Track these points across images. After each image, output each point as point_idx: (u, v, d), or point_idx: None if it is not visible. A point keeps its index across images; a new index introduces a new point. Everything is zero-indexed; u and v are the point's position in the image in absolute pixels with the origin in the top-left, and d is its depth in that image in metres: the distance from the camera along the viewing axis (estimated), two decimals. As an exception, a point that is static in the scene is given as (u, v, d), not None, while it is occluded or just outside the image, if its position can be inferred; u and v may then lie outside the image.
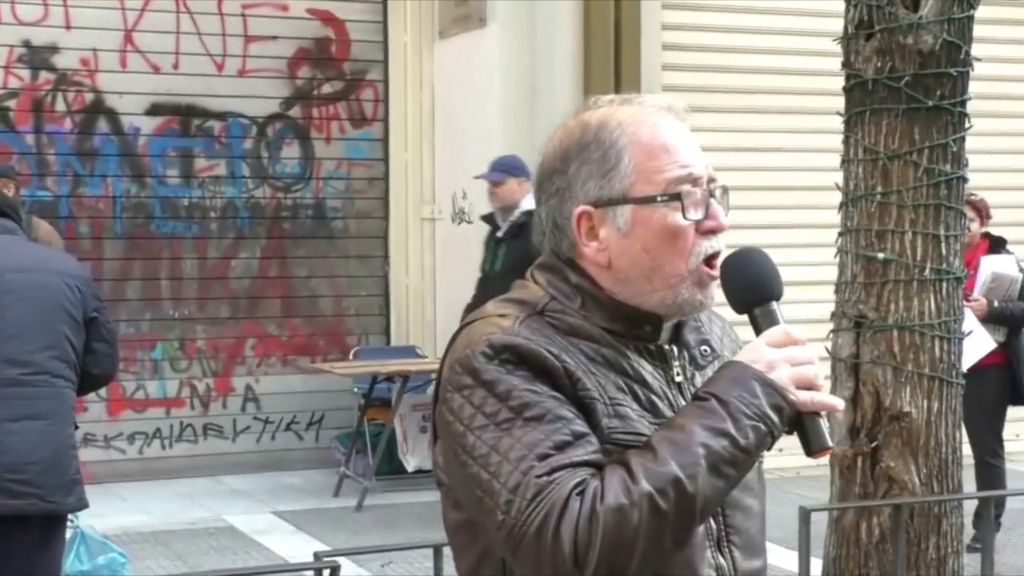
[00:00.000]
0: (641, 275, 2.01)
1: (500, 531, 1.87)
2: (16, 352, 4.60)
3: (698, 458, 1.84)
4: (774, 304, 2.01)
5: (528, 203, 8.11)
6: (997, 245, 7.76)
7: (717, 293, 2.06)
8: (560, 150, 2.05)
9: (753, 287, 2.01)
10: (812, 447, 1.93)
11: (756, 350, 1.95)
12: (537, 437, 1.87)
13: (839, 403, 1.96)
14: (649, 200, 1.99)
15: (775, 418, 1.89)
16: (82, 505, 4.80)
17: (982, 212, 7.67)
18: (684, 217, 1.99)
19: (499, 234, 8.40)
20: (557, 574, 1.83)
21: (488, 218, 8.61)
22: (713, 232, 2.02)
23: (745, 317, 2.05)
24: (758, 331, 2.00)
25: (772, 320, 1.99)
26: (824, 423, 1.94)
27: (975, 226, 7.59)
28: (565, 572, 1.82)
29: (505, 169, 8.44)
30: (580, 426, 1.90)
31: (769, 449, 1.97)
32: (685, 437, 1.86)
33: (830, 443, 1.93)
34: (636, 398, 1.98)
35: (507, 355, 1.92)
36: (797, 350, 1.94)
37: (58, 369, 4.68)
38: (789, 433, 1.96)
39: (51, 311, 4.67)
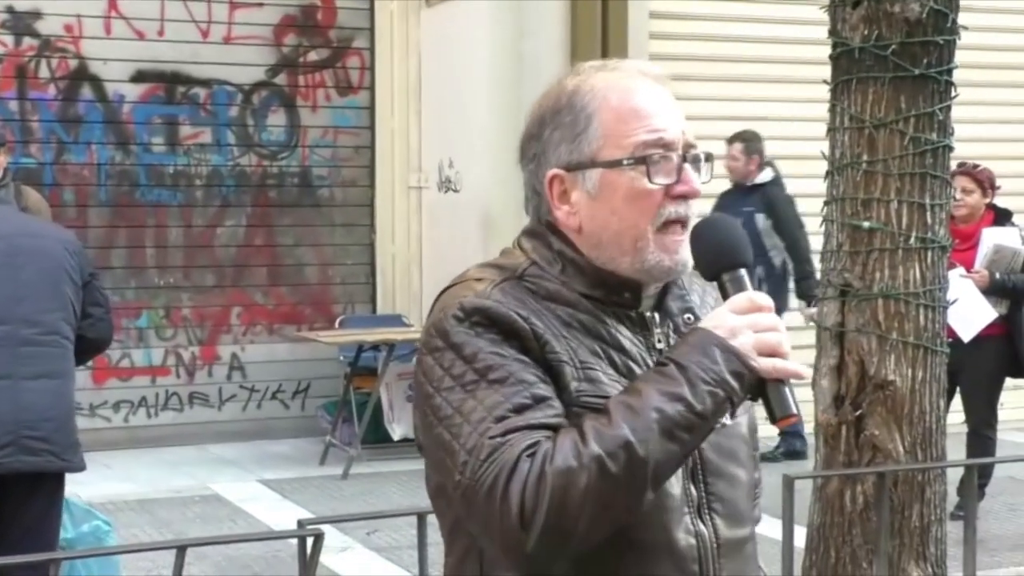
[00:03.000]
0: (610, 239, 2.03)
1: (456, 492, 1.89)
2: (30, 312, 4.74)
3: (651, 422, 1.84)
4: (743, 271, 1.99)
5: None
6: (1003, 217, 7.70)
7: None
8: (537, 116, 2.09)
9: (721, 253, 2.00)
10: (776, 415, 1.91)
11: (719, 316, 1.93)
12: (497, 399, 1.89)
13: (802, 371, 1.93)
14: (616, 164, 2.01)
15: (735, 384, 1.88)
16: (83, 466, 4.92)
17: (984, 183, 7.59)
18: (650, 181, 2.00)
19: None
20: (505, 536, 1.84)
21: None
22: (684, 197, 2.02)
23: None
24: (725, 297, 1.99)
25: (740, 287, 1.97)
26: (788, 391, 1.91)
27: (976, 197, 7.55)
28: (512, 533, 1.83)
29: None
30: (543, 390, 1.91)
31: (733, 416, 1.98)
32: (640, 401, 1.86)
33: (794, 411, 1.91)
34: (613, 363, 1.99)
35: (477, 317, 1.95)
36: (761, 316, 1.92)
37: (65, 331, 4.83)
38: (754, 400, 1.95)
39: (57, 274, 4.82)
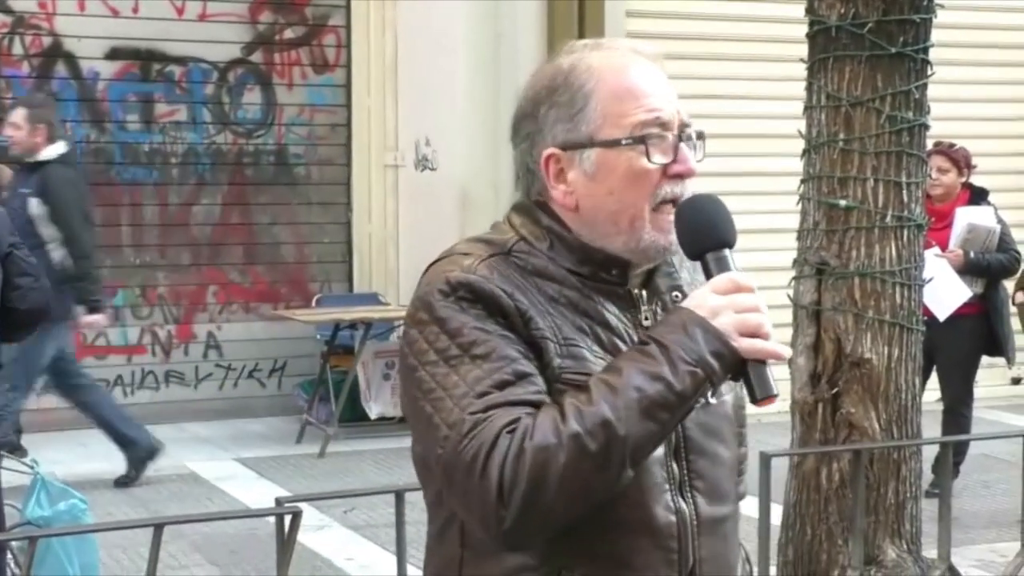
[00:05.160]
0: (607, 218, 2.03)
1: (437, 466, 1.91)
2: None
3: (630, 401, 1.85)
4: (727, 251, 1.98)
5: None
6: (978, 196, 7.69)
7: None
8: (531, 94, 2.08)
9: (705, 232, 1.99)
10: (757, 395, 1.91)
11: (701, 296, 1.93)
12: (479, 375, 1.90)
13: (784, 352, 1.93)
14: (614, 143, 2.01)
15: (715, 364, 1.88)
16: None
17: (960, 163, 7.59)
18: (649, 161, 2.00)
19: None
20: (484, 512, 1.86)
21: None
22: (680, 176, 2.03)
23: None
24: (709, 277, 1.98)
25: (723, 266, 1.97)
26: (770, 371, 1.91)
27: (952, 176, 7.55)
28: (491, 510, 1.85)
29: None
30: (525, 366, 1.92)
31: (714, 395, 1.98)
32: (620, 380, 1.87)
33: (775, 391, 1.91)
34: (598, 340, 1.99)
35: (463, 292, 1.96)
36: (742, 297, 1.92)
37: None
38: (735, 380, 1.95)
39: None
